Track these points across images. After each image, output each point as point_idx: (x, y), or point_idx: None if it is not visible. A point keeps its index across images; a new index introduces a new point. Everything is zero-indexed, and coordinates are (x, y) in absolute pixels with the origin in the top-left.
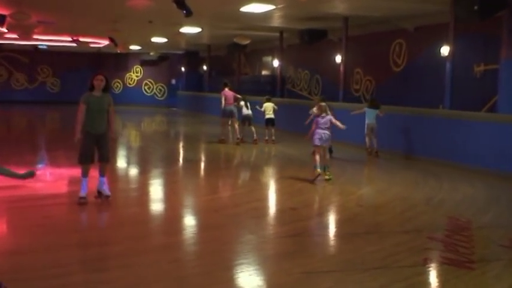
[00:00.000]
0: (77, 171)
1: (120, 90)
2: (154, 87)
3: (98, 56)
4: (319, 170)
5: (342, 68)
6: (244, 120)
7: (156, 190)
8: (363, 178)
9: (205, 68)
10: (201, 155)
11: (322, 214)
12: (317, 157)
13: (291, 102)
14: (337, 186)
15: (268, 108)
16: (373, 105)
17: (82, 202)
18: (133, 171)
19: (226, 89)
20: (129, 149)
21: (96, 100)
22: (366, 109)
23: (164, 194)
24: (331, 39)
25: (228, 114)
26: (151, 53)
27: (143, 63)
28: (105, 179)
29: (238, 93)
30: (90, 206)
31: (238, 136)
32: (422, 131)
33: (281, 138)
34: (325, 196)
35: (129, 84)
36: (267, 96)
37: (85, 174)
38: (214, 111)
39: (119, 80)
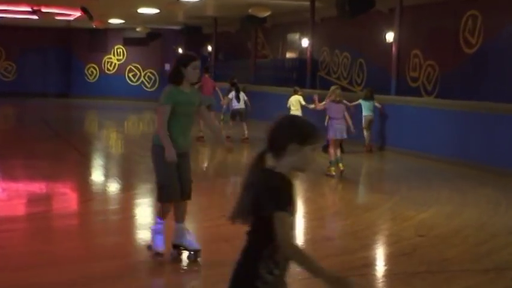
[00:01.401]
0: (39, 187)
1: (95, 79)
2: (142, 74)
3: (67, 32)
4: (333, 168)
5: (394, 50)
6: (235, 114)
7: (144, 212)
8: (423, 197)
9: (210, 49)
10: (203, 164)
11: (368, 246)
12: (332, 151)
13: (325, 95)
14: (389, 207)
15: (294, 103)
16: (369, 96)
17: (160, 259)
18: (113, 187)
19: (206, 76)
20: (107, 157)
21: (186, 99)
22: (361, 101)
23: (154, 218)
24: (380, 10)
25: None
26: (138, 29)
27: (127, 43)
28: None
29: (246, 83)
30: (58, 234)
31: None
32: (504, 135)
33: None
34: (372, 221)
35: (108, 70)
36: (294, 88)
37: (165, 214)
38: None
39: (94, 65)
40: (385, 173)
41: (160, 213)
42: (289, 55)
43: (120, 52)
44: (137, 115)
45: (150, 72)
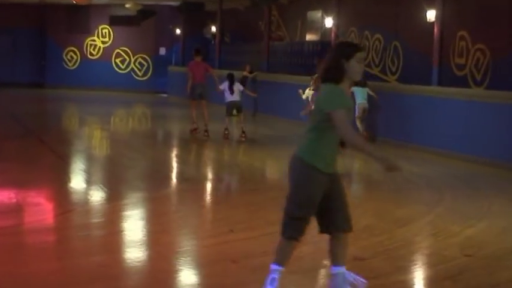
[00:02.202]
0: (7, 196)
1: (75, 65)
2: (132, 60)
3: (41, 9)
4: None
5: (436, 31)
6: (230, 108)
7: (135, 227)
8: (471, 209)
9: (214, 29)
10: (206, 169)
11: (405, 268)
12: None
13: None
14: (429, 220)
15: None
16: (362, 82)
17: None
18: (97, 197)
19: (198, 59)
20: (90, 160)
21: (350, 104)
22: (354, 89)
23: (147, 234)
24: None
25: (196, 95)
26: (127, 5)
27: (114, 22)
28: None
29: (257, 71)
30: (31, 253)
31: (208, 124)
32: None
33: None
34: (409, 238)
35: (91, 55)
36: (316, 75)
37: (286, 258)
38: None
39: (74, 49)
40: (423, 178)
41: (280, 256)
42: (309, 37)
43: (105, 33)
44: (126, 109)
45: (142, 58)
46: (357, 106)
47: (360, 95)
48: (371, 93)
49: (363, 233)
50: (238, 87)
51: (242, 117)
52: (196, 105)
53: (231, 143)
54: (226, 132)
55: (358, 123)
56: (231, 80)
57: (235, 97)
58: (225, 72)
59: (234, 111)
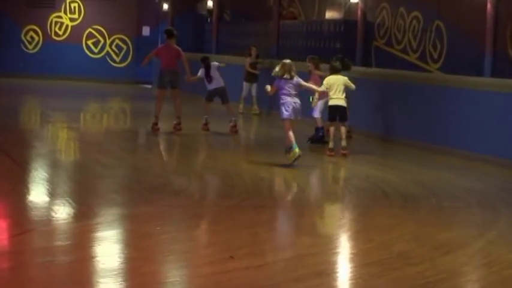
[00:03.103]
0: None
1: (37, 48)
2: (108, 42)
3: None
4: (297, 149)
5: (490, 10)
6: (212, 95)
7: (110, 252)
8: None
9: (211, 4)
10: (200, 179)
11: None
12: (291, 134)
13: (385, 76)
14: (480, 247)
15: (335, 86)
16: (342, 67)
17: None
18: (64, 213)
19: (170, 42)
20: (55, 167)
21: None
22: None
23: (126, 261)
24: None
25: (165, 83)
26: None
27: None
28: None
29: (266, 57)
30: None
31: (179, 117)
32: None
33: (362, 146)
34: (456, 268)
35: (57, 36)
36: (335, 62)
37: None
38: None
39: (34, 28)
40: (471, 193)
41: None
42: (329, 15)
43: (74, 8)
44: (100, 104)
45: (120, 39)
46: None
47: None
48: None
49: (397, 261)
50: (215, 72)
51: (229, 107)
52: (164, 95)
53: (231, 146)
54: (205, 123)
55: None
56: (207, 65)
57: (217, 83)
58: (228, 58)
59: (218, 99)
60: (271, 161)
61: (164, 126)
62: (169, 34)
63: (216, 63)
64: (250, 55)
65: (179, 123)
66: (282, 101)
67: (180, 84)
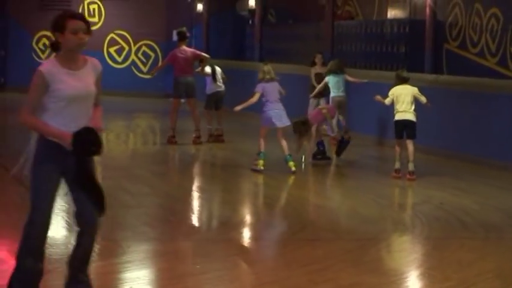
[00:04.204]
0: None
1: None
2: (133, 49)
3: None
4: (262, 162)
5: None
6: (212, 100)
7: None
8: None
9: (253, 4)
10: (244, 208)
11: None
12: (262, 142)
13: (458, 85)
14: None
15: (402, 97)
16: (336, 68)
17: None
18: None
19: (183, 47)
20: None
21: None
22: (329, 78)
23: None
24: None
25: (182, 91)
26: None
27: None
28: None
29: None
30: None
31: (199, 129)
32: None
33: (431, 167)
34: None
35: None
36: (402, 71)
37: None
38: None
39: (48, 34)
40: None
41: None
42: (392, 14)
43: (93, 11)
44: (125, 121)
45: (147, 46)
46: (330, 99)
47: (335, 85)
48: (351, 79)
49: (422, 277)
50: (220, 75)
51: (221, 115)
52: (178, 104)
53: (278, 169)
54: (210, 134)
55: (330, 121)
56: (212, 68)
57: (219, 87)
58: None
59: (215, 105)
60: (327, 187)
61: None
62: (181, 36)
63: (223, 77)
64: (314, 64)
65: (199, 136)
66: (265, 108)
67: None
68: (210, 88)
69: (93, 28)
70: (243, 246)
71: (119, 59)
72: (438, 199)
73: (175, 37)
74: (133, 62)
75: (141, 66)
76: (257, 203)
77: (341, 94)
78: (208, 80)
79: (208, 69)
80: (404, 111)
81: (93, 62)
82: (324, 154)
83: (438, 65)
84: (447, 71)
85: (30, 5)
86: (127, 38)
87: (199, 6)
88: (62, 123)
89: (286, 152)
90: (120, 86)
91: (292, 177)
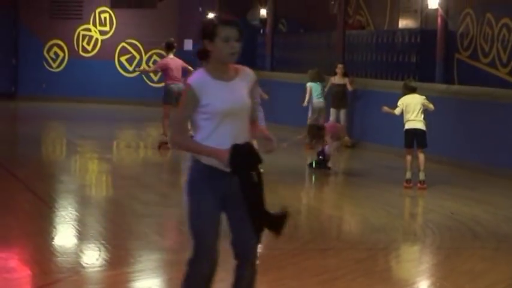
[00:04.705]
0: None
1: (61, 67)
2: (144, 58)
3: None
4: None
5: None
6: None
7: None
8: None
9: (264, 13)
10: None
11: None
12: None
13: (469, 95)
14: None
15: (412, 107)
16: (317, 76)
17: None
18: (96, 259)
19: (171, 56)
20: (86, 203)
21: None
22: (310, 84)
23: None
24: None
25: (173, 98)
26: None
27: (118, 3)
28: None
29: (326, 73)
30: None
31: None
32: None
33: (442, 176)
34: None
35: (85, 52)
36: (410, 81)
37: None
38: (287, 115)
39: (59, 42)
40: None
41: None
42: (403, 24)
43: (104, 19)
44: (136, 130)
45: (158, 55)
46: (310, 105)
47: (317, 92)
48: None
49: None
50: None
51: None
52: (170, 110)
53: (289, 178)
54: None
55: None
56: None
57: None
58: (286, 76)
59: None
60: (338, 196)
61: None
62: (168, 46)
63: None
64: (335, 74)
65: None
66: None
67: None
68: None
69: (104, 37)
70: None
71: (130, 68)
72: (449, 209)
73: (187, 46)
74: (144, 70)
75: (152, 76)
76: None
77: (321, 100)
78: None
79: None
80: (415, 121)
81: (245, 71)
82: (323, 163)
83: (449, 75)
84: (458, 81)
85: (42, 14)
86: (138, 47)
87: (211, 16)
88: (218, 143)
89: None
90: (131, 95)
91: (303, 186)
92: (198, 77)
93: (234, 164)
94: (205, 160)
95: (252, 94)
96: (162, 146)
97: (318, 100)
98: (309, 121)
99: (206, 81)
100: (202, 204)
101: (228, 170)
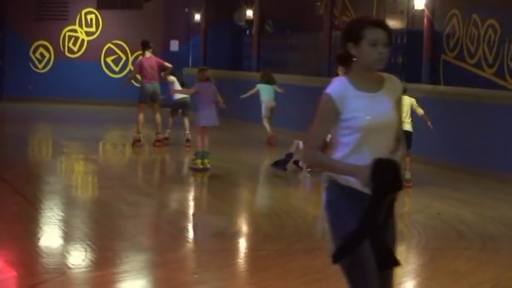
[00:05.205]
0: None
1: (48, 67)
2: (131, 59)
3: None
4: (206, 161)
5: None
6: (177, 107)
7: None
8: None
9: (250, 14)
10: (242, 218)
11: None
12: (200, 142)
13: (455, 95)
14: None
15: (403, 107)
16: (267, 79)
17: None
18: (85, 260)
19: (147, 55)
20: (73, 204)
21: None
22: (259, 86)
23: None
24: None
25: (148, 97)
26: None
27: (104, 4)
28: None
29: (314, 75)
30: None
31: (160, 133)
32: None
33: (429, 177)
34: None
35: (71, 52)
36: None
37: None
38: (274, 117)
39: (45, 43)
40: None
41: None
42: (390, 24)
43: (91, 20)
44: (122, 131)
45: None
46: (262, 104)
47: (267, 93)
48: (279, 90)
49: None
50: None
51: (188, 122)
52: (145, 110)
53: (275, 179)
54: (160, 136)
55: (266, 124)
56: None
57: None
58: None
59: (180, 112)
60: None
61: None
62: (144, 45)
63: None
64: (337, 75)
65: (160, 140)
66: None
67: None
68: (174, 95)
69: (90, 38)
70: (240, 256)
71: (116, 69)
72: (435, 209)
73: (173, 47)
74: (130, 71)
75: (139, 76)
76: (254, 213)
77: (272, 100)
78: (175, 85)
79: (172, 77)
80: (403, 122)
81: (392, 80)
82: (284, 164)
83: (435, 75)
84: (444, 82)
85: (27, 15)
86: (124, 48)
87: (197, 16)
88: (358, 163)
89: (206, 148)
90: (117, 96)
91: (291, 187)
92: (339, 86)
93: (375, 182)
94: (343, 180)
95: (399, 107)
96: (135, 143)
97: (268, 100)
98: (264, 119)
99: (348, 91)
100: (350, 234)
101: (366, 190)
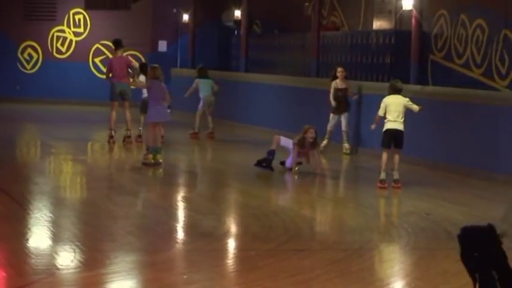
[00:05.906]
0: None
1: (36, 68)
2: None
3: None
4: (158, 156)
5: None
6: (146, 105)
7: None
8: None
9: (238, 14)
10: (231, 218)
11: None
12: (151, 137)
13: (444, 95)
14: None
15: (393, 107)
16: (204, 73)
17: None
18: (71, 261)
19: (119, 54)
20: (61, 205)
21: None
22: (199, 80)
23: None
24: None
25: (118, 95)
26: None
27: (92, 4)
28: None
29: (302, 75)
30: None
31: (129, 129)
32: None
33: (418, 177)
34: None
35: (59, 53)
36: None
37: None
38: (261, 116)
39: (33, 43)
40: None
41: None
42: (378, 25)
43: (79, 21)
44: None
45: (132, 56)
46: (201, 99)
47: (206, 88)
48: (216, 87)
49: None
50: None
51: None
52: (116, 108)
53: (264, 180)
54: (129, 133)
55: (197, 119)
56: (145, 70)
57: None
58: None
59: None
60: (314, 197)
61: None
62: (116, 44)
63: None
64: (336, 77)
65: (129, 136)
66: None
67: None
68: (143, 93)
69: (79, 38)
70: (229, 256)
71: (105, 69)
72: (424, 210)
73: (161, 47)
74: None
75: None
76: (243, 213)
77: (211, 94)
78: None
79: (142, 78)
80: (396, 122)
81: None
82: (269, 163)
83: (424, 76)
84: (432, 82)
85: (15, 15)
86: (112, 49)
87: (185, 17)
88: None
89: (159, 144)
90: (105, 97)
91: (279, 187)
92: None
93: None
94: None
95: None
96: (109, 140)
97: (207, 95)
98: (198, 112)
99: None
100: None
101: None
